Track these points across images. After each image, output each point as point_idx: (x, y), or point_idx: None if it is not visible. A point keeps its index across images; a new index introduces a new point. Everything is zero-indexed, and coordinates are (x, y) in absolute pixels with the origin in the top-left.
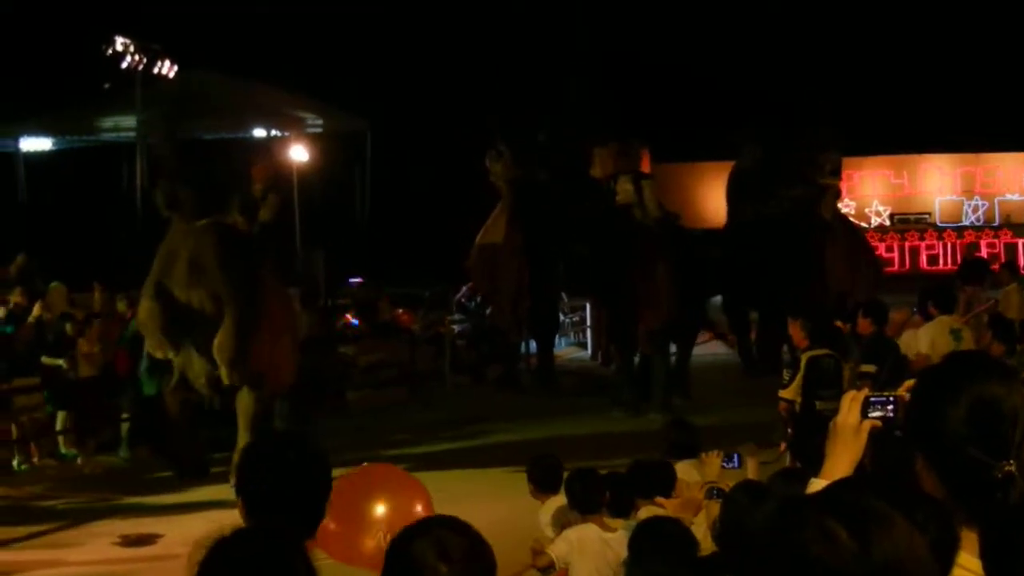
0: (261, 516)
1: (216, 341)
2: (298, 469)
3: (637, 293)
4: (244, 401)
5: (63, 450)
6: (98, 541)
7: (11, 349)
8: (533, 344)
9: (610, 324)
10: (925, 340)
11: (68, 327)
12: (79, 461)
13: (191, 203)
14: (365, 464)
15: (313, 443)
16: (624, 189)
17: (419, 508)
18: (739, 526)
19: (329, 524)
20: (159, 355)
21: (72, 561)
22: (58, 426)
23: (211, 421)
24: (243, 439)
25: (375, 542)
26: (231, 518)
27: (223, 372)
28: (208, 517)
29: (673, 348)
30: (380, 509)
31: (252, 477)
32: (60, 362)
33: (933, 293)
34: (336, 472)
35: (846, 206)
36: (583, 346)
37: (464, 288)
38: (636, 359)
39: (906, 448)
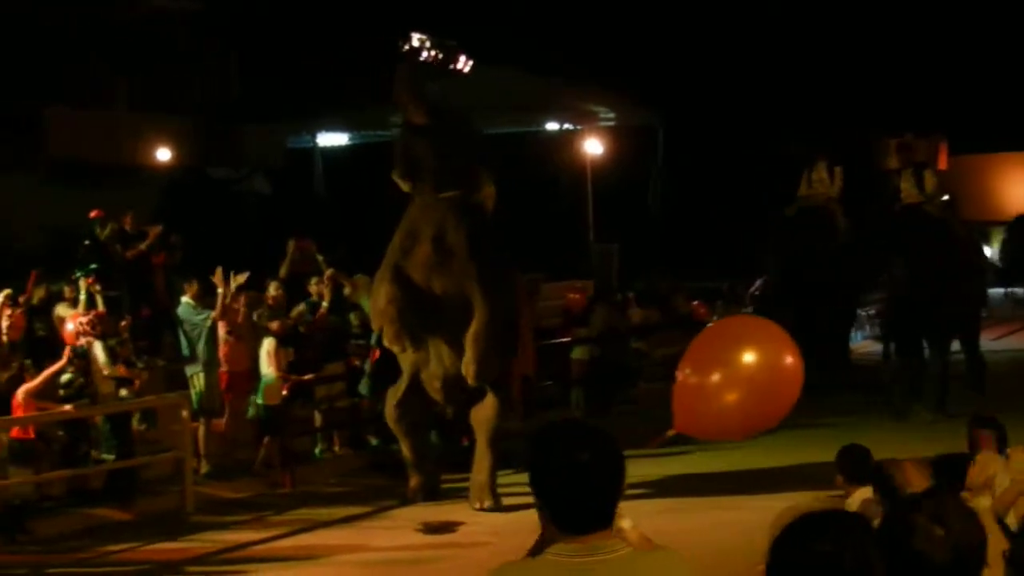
0: (557, 515)
1: (472, 329)
2: (592, 469)
3: (921, 288)
4: (484, 412)
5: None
6: (400, 528)
7: (311, 339)
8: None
9: (893, 322)
10: None
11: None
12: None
13: (434, 172)
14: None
15: (608, 440)
16: (907, 185)
17: (789, 359)
18: None
19: (689, 376)
20: (396, 349)
21: (375, 547)
22: (359, 416)
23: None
24: (483, 456)
25: (738, 395)
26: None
27: (470, 368)
28: (509, 505)
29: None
30: (748, 357)
31: (544, 476)
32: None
33: None
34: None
35: None
36: (878, 339)
37: (758, 281)
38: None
39: None
